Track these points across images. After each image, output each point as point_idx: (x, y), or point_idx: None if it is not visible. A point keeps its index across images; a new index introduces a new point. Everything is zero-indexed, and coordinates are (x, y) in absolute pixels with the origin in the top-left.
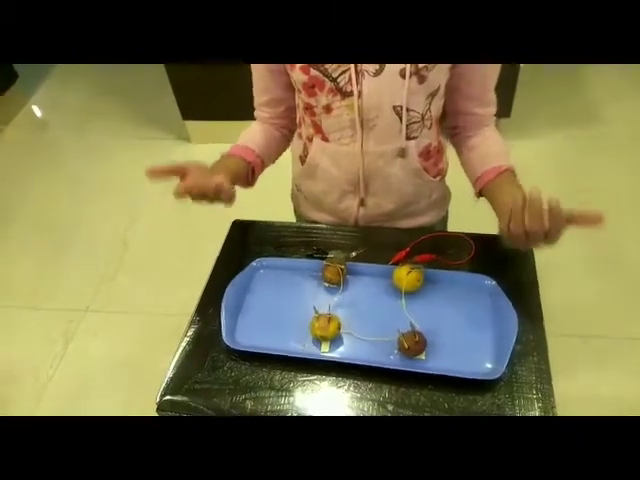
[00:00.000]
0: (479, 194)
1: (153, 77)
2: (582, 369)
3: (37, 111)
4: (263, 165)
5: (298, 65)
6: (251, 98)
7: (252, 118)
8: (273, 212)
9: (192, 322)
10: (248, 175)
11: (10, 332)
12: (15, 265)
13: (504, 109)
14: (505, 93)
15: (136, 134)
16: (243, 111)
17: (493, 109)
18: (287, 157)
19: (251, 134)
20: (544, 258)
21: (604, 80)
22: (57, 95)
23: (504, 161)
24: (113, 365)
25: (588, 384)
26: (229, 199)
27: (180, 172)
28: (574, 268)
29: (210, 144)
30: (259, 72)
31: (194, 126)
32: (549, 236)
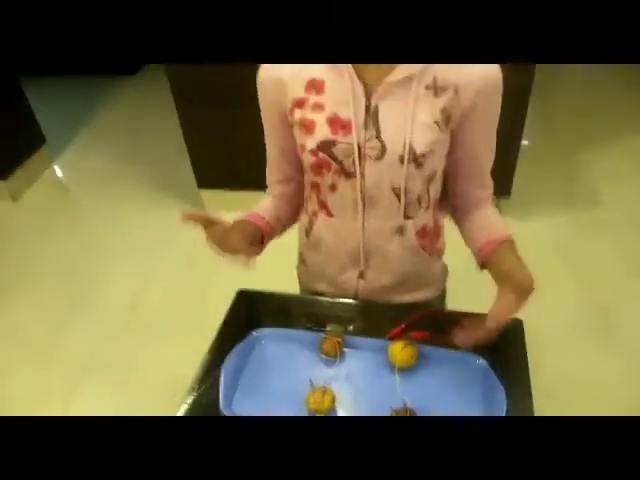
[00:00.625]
0: (482, 265)
1: (172, 145)
2: None
3: (60, 173)
4: (273, 234)
5: (308, 148)
6: (264, 168)
7: (265, 187)
8: (279, 283)
9: (191, 390)
10: (258, 241)
11: (11, 386)
12: (26, 320)
13: (504, 188)
14: (505, 173)
15: (152, 200)
16: (256, 181)
17: (490, 190)
18: (295, 231)
19: (263, 205)
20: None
21: (603, 163)
22: (80, 159)
23: (504, 232)
24: None
25: None
26: (248, 258)
27: (207, 221)
28: (573, 342)
29: (223, 212)
30: (272, 152)
31: (208, 195)
32: None
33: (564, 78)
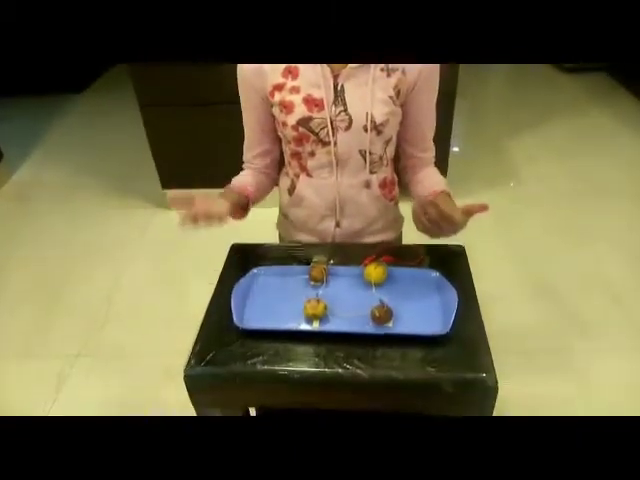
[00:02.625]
0: None
1: (126, 153)
2: (524, 375)
3: (20, 186)
4: (255, 200)
5: (289, 125)
6: (225, 168)
7: (225, 186)
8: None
9: (208, 313)
10: (243, 207)
11: (3, 379)
12: (7, 321)
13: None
14: (440, 160)
15: (117, 204)
16: (218, 180)
17: (432, 153)
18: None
19: (244, 176)
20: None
21: (522, 145)
22: (39, 172)
23: (442, 186)
24: (107, 406)
25: (529, 388)
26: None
27: (190, 201)
28: (513, 296)
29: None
30: (253, 130)
31: (173, 194)
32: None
33: (488, 73)
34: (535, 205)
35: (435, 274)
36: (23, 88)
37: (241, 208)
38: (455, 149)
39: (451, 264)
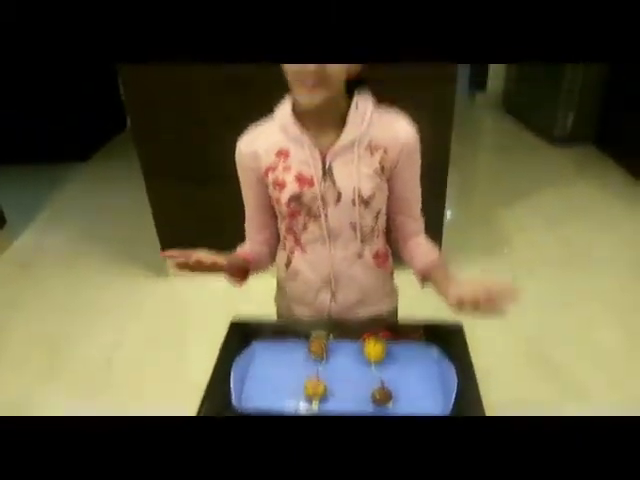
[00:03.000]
0: (422, 283)
1: (135, 220)
2: None
3: (21, 252)
4: (255, 267)
5: (283, 201)
6: (225, 235)
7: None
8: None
9: (205, 395)
10: (244, 271)
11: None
12: (7, 380)
13: (435, 242)
14: (435, 229)
15: (117, 271)
16: (218, 249)
17: (421, 223)
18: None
19: (246, 248)
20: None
21: (513, 214)
22: (41, 238)
23: (435, 255)
24: None
25: None
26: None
27: (189, 255)
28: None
29: (186, 277)
30: (251, 207)
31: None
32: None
33: (478, 145)
34: (528, 271)
35: (434, 351)
36: (29, 155)
37: (241, 269)
38: (449, 218)
39: (449, 340)
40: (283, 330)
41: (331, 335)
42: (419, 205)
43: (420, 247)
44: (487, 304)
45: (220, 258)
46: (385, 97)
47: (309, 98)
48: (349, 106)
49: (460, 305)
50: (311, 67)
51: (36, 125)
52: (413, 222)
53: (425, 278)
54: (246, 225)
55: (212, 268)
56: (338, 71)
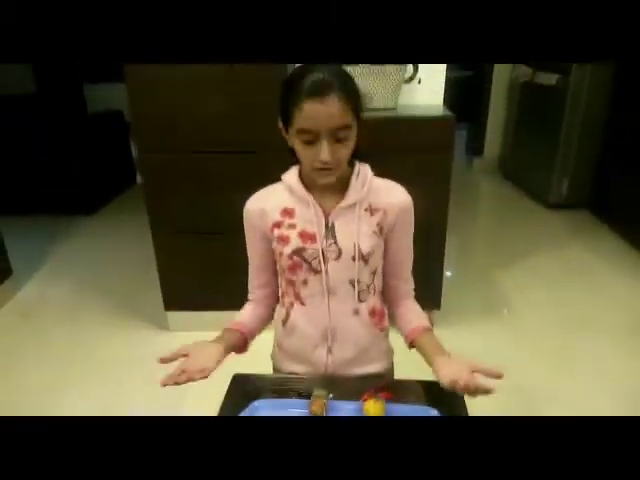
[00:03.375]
0: (410, 346)
1: (138, 274)
2: None
3: (25, 302)
4: (253, 336)
5: (285, 254)
6: (227, 294)
7: (224, 309)
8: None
9: None
10: (242, 344)
11: None
12: None
13: (435, 302)
14: (434, 290)
15: (119, 323)
16: (218, 303)
17: (411, 285)
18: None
19: (243, 315)
20: None
21: (511, 275)
22: (44, 289)
23: (424, 322)
24: None
25: None
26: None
27: (183, 355)
28: None
29: (186, 332)
30: (255, 263)
31: (174, 316)
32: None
33: (476, 210)
34: (526, 333)
35: (433, 412)
36: (36, 207)
37: (239, 347)
38: (448, 279)
39: (448, 403)
40: (284, 387)
41: (331, 394)
42: (410, 267)
43: (410, 313)
44: (475, 389)
45: (212, 355)
46: (385, 164)
47: (325, 179)
48: (350, 172)
49: (452, 387)
50: (326, 158)
51: (46, 178)
52: (404, 284)
53: (412, 344)
54: (249, 280)
55: (200, 372)
56: (348, 153)
